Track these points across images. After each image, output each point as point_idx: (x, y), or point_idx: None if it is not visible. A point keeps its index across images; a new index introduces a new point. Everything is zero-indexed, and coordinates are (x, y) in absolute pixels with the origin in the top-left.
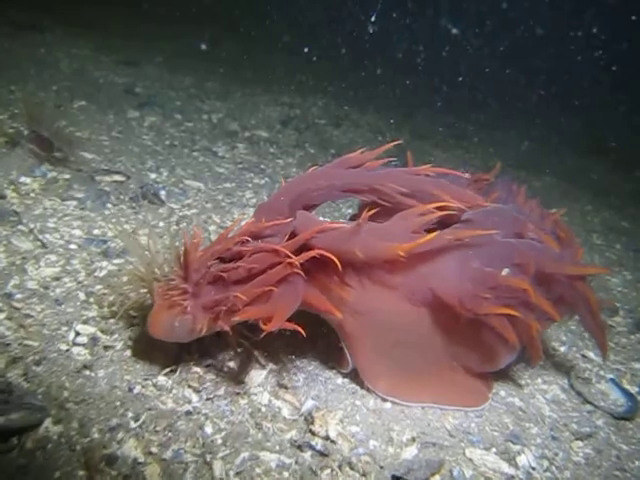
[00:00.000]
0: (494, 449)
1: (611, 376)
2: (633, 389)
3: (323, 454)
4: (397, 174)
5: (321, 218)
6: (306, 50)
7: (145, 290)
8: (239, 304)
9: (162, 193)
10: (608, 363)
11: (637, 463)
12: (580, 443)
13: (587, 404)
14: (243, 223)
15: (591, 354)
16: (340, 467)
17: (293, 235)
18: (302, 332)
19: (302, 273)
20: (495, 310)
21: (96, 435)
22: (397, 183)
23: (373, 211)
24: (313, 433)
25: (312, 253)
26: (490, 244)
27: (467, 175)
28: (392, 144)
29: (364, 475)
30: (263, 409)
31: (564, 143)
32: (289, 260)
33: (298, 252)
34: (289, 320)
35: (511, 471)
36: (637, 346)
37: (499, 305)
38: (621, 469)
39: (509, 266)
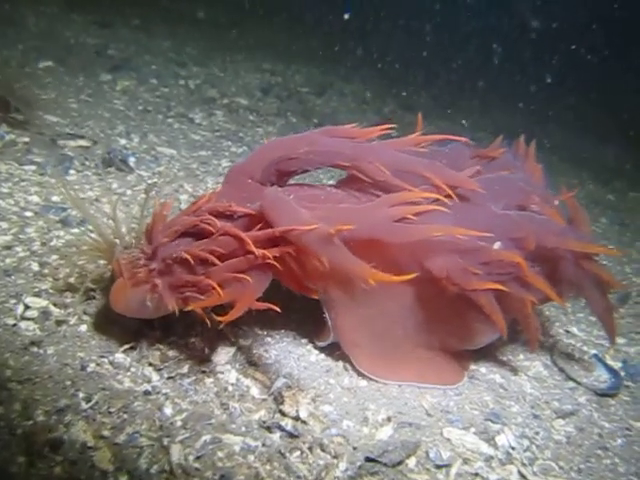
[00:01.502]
0: (473, 429)
1: (594, 352)
2: (617, 365)
3: (293, 435)
4: (384, 149)
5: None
6: (290, 16)
7: (104, 261)
8: (207, 286)
9: (131, 160)
10: (592, 338)
11: (619, 441)
12: (562, 421)
13: (569, 381)
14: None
15: (574, 329)
16: (311, 449)
17: (260, 213)
18: (277, 309)
19: (272, 263)
20: (483, 286)
21: (41, 418)
22: (383, 160)
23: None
24: (283, 413)
25: (285, 250)
26: (486, 216)
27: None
28: (386, 127)
29: (336, 457)
30: (230, 388)
31: (552, 116)
32: (255, 251)
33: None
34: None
35: (490, 451)
36: (621, 321)
37: (487, 281)
38: (603, 447)
39: (503, 239)
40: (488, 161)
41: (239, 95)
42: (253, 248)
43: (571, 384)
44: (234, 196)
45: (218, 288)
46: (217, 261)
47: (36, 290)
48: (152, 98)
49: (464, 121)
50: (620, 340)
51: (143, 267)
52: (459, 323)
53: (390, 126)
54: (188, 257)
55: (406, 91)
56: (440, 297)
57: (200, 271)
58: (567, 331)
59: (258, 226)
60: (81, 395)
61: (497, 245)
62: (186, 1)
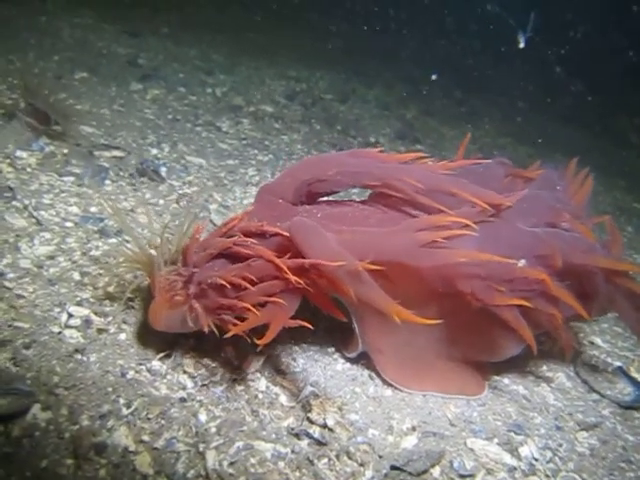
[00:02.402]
0: (496, 439)
1: (618, 364)
2: None
3: (321, 443)
4: (413, 169)
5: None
6: (316, 23)
7: (141, 272)
8: (242, 309)
9: (163, 170)
10: (616, 350)
11: None
12: (585, 433)
13: (593, 393)
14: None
15: (598, 340)
16: (338, 456)
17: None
18: (309, 326)
19: (302, 286)
20: (506, 301)
21: (86, 422)
22: (412, 178)
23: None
24: (311, 421)
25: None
26: (512, 233)
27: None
28: (416, 155)
29: (362, 465)
30: (260, 395)
31: (576, 122)
32: (291, 279)
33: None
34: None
35: (513, 462)
36: None
37: (511, 297)
38: (627, 461)
39: (528, 257)
40: (525, 181)
41: (264, 102)
42: (289, 275)
43: (595, 396)
44: (265, 215)
45: (255, 311)
46: (250, 286)
47: (78, 299)
48: (180, 107)
49: (487, 126)
50: None
51: (181, 289)
52: (482, 336)
53: (421, 155)
54: (223, 282)
55: (428, 97)
56: (464, 311)
57: (234, 293)
58: (591, 342)
59: (288, 254)
60: (122, 401)
61: (522, 263)
62: (211, 8)
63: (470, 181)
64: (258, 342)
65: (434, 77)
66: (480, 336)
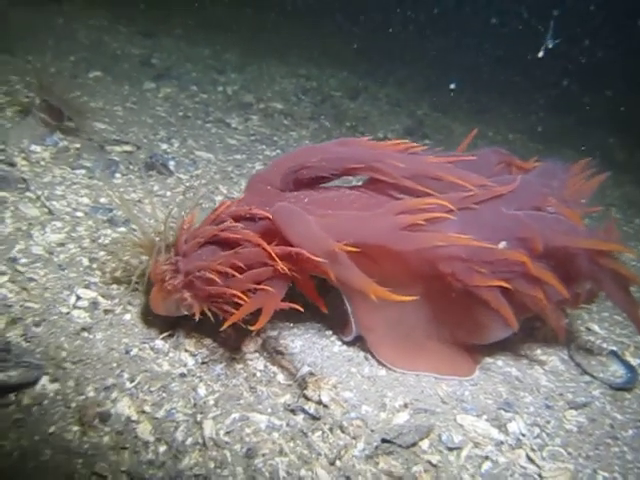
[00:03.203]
0: (485, 416)
1: (613, 348)
2: (635, 361)
3: (315, 418)
4: (398, 154)
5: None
6: (329, 24)
7: (146, 257)
8: (232, 297)
9: (171, 164)
10: (613, 336)
11: (630, 432)
12: (574, 412)
13: (585, 375)
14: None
15: (596, 327)
16: (331, 430)
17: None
18: (300, 308)
19: (289, 273)
20: (486, 282)
21: (91, 394)
22: (396, 161)
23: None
24: (306, 398)
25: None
26: (494, 216)
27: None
28: (400, 142)
29: (354, 438)
30: (258, 374)
31: (589, 119)
32: (279, 266)
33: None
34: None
35: (501, 437)
36: None
37: (492, 278)
38: (613, 437)
39: (510, 239)
40: (520, 171)
41: (275, 100)
42: (278, 263)
43: (587, 378)
44: (254, 201)
45: (245, 298)
46: (238, 274)
47: (86, 283)
48: (192, 104)
49: (498, 123)
50: None
51: (171, 279)
52: (467, 318)
53: (411, 144)
54: (210, 273)
55: (440, 94)
56: (448, 292)
57: (223, 281)
58: (588, 329)
59: (275, 240)
60: (125, 375)
61: (502, 245)
62: (225, 9)
63: (460, 167)
64: (252, 328)
65: (452, 86)
66: (467, 318)
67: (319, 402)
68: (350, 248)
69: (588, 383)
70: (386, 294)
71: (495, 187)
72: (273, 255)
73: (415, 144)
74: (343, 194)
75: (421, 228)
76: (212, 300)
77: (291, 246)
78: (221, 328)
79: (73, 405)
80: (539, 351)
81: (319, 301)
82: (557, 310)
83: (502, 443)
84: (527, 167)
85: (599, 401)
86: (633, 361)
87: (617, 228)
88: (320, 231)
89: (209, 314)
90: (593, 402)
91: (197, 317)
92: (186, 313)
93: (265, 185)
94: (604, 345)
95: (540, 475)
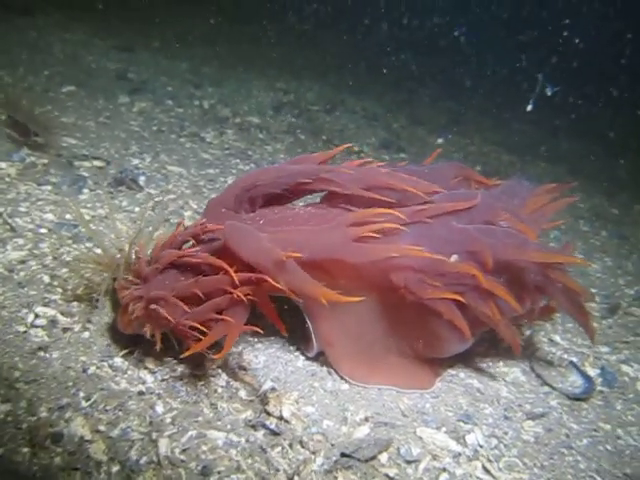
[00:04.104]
0: (444, 428)
1: (572, 359)
2: (594, 371)
3: (275, 433)
4: (347, 166)
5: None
6: (306, 35)
7: (107, 274)
8: (191, 329)
9: (141, 179)
10: (574, 347)
11: (585, 441)
12: (531, 422)
13: (545, 386)
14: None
15: (557, 338)
16: (291, 445)
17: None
18: (260, 330)
19: (251, 299)
20: (438, 295)
21: (44, 414)
22: (345, 174)
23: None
24: (268, 413)
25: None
26: (444, 230)
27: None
28: (342, 148)
29: (314, 453)
30: (220, 390)
31: (562, 128)
32: (238, 294)
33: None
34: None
35: (459, 449)
36: (607, 331)
37: (444, 290)
38: (568, 447)
39: (460, 253)
40: (482, 186)
41: (251, 114)
42: (237, 291)
43: (546, 389)
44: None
45: (205, 330)
46: (194, 309)
47: (46, 300)
48: (167, 118)
49: (474, 135)
50: (603, 348)
51: (135, 304)
52: (424, 331)
53: (348, 145)
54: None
55: (418, 107)
56: (404, 305)
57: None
58: (551, 340)
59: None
60: (81, 394)
61: (454, 258)
62: (203, 23)
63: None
64: (214, 357)
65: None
66: (423, 331)
67: (280, 417)
68: (297, 254)
69: (547, 394)
70: (335, 297)
71: (445, 200)
72: (235, 280)
73: (370, 159)
74: (299, 212)
75: (373, 240)
76: (173, 329)
77: (242, 262)
78: (181, 355)
79: (24, 426)
80: (501, 363)
81: (279, 323)
82: (510, 325)
83: (460, 455)
84: (487, 183)
85: (556, 411)
86: (592, 371)
87: (584, 241)
88: (268, 243)
89: (172, 339)
90: (551, 412)
91: (158, 347)
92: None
93: (220, 207)
94: (565, 356)
95: None
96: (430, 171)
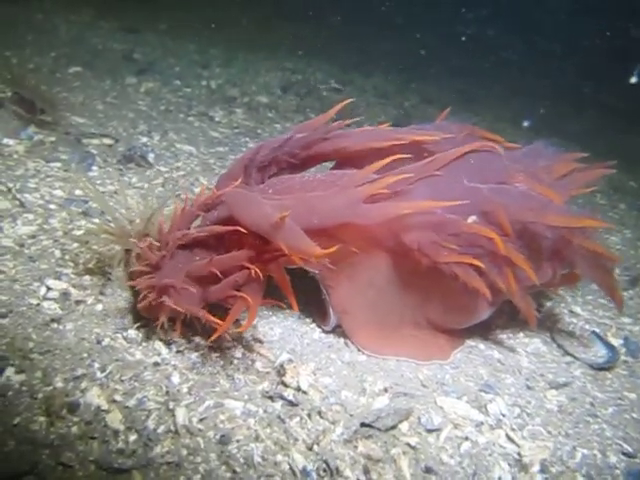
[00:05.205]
0: (466, 397)
1: (594, 329)
2: (617, 341)
3: (293, 404)
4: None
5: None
6: (313, 14)
7: (118, 247)
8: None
9: (151, 156)
10: (595, 318)
11: (610, 410)
12: (554, 392)
13: (567, 356)
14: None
15: (578, 309)
16: (309, 415)
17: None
18: (282, 304)
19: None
20: (454, 259)
21: (59, 384)
22: (346, 137)
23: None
24: (285, 384)
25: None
26: (453, 189)
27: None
28: (344, 103)
29: (333, 423)
30: (236, 362)
31: (579, 104)
32: (255, 269)
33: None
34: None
35: (481, 418)
36: (629, 302)
37: (459, 254)
38: (593, 415)
39: (477, 214)
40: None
41: (259, 93)
42: (254, 267)
43: (568, 359)
44: None
45: (219, 322)
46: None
47: (58, 274)
48: (175, 98)
49: (486, 112)
50: (625, 319)
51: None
52: (441, 298)
53: (349, 100)
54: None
55: (428, 85)
56: (420, 272)
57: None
58: (571, 311)
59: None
60: (96, 365)
61: (472, 219)
62: (211, 5)
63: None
64: (239, 330)
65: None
66: (440, 299)
67: (298, 388)
68: (286, 213)
69: (569, 364)
70: (323, 252)
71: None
72: (250, 255)
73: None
74: (307, 180)
75: (385, 200)
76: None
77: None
78: (209, 341)
79: (40, 396)
80: (521, 334)
81: (292, 297)
82: (526, 295)
83: (482, 424)
84: (497, 140)
85: (580, 380)
86: (615, 341)
87: (603, 214)
88: (269, 208)
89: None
90: (574, 382)
91: (178, 332)
92: None
93: (230, 181)
94: (587, 327)
95: (519, 454)
96: (435, 128)
